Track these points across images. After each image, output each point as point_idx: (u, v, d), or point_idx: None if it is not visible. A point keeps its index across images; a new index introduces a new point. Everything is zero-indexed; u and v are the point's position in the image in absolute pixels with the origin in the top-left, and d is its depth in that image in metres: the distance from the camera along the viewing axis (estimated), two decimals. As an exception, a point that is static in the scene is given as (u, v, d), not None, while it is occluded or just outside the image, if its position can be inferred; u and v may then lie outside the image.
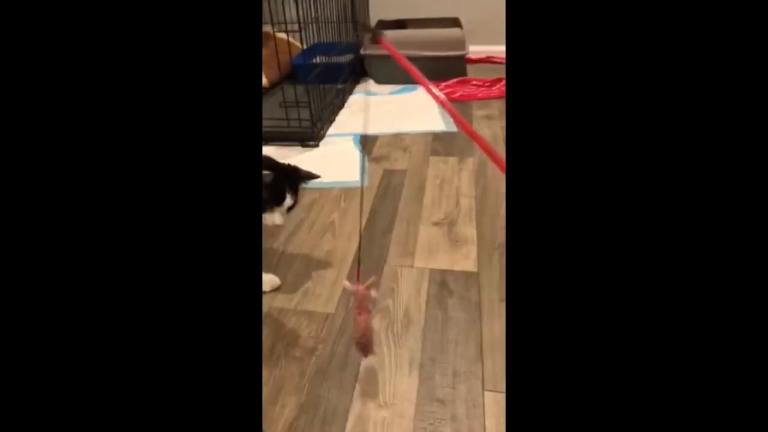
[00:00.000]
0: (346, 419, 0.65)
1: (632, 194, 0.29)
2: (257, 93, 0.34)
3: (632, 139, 0.29)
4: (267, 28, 2.02)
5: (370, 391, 0.68)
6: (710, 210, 0.28)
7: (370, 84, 1.89)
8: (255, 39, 0.33)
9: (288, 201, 0.80)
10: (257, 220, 0.33)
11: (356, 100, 1.75)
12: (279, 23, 2.02)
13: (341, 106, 1.67)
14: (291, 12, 1.21)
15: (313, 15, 1.33)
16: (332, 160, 1.33)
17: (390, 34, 1.84)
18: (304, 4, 1.24)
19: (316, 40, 1.67)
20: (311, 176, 0.83)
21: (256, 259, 0.33)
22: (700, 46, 0.28)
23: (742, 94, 0.28)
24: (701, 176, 0.28)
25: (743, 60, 0.28)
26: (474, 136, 0.49)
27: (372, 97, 1.77)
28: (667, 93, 0.28)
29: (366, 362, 0.73)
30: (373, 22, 2.01)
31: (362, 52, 1.85)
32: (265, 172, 0.76)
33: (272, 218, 0.79)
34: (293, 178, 0.81)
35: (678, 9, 0.28)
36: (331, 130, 1.51)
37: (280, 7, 1.21)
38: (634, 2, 0.29)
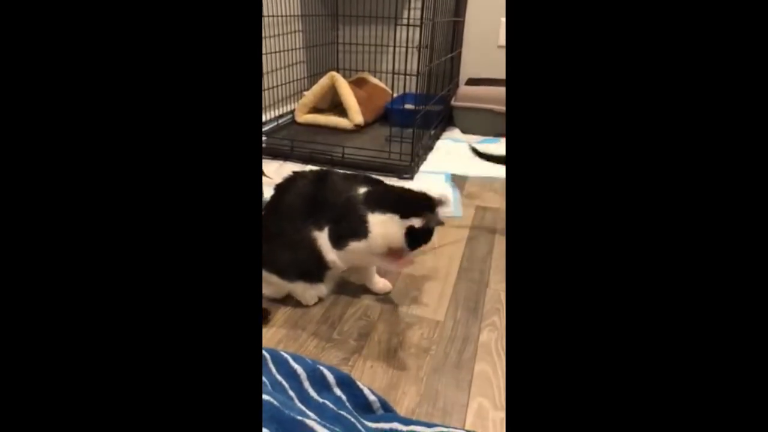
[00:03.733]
0: (465, 413, 0.68)
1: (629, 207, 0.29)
2: (257, 92, 0.34)
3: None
4: (365, 75, 2.25)
5: (486, 394, 0.72)
6: (706, 225, 0.27)
7: (456, 132, 2.03)
8: (254, 40, 0.33)
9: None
10: (257, 220, 0.34)
11: (443, 145, 1.88)
12: (380, 72, 2.23)
13: (431, 149, 1.80)
14: (412, 63, 1.38)
15: (425, 69, 1.49)
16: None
17: (468, 89, 1.99)
18: (424, 59, 1.42)
19: (408, 91, 1.88)
20: None
21: (255, 255, 0.33)
22: (693, 70, 0.28)
23: (741, 97, 0.27)
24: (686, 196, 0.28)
25: (742, 63, 0.27)
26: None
27: (459, 144, 1.89)
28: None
29: (479, 368, 0.76)
30: (463, 80, 2.19)
31: (452, 103, 2.01)
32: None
33: None
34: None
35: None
36: (423, 168, 1.63)
37: (402, 58, 1.39)
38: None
